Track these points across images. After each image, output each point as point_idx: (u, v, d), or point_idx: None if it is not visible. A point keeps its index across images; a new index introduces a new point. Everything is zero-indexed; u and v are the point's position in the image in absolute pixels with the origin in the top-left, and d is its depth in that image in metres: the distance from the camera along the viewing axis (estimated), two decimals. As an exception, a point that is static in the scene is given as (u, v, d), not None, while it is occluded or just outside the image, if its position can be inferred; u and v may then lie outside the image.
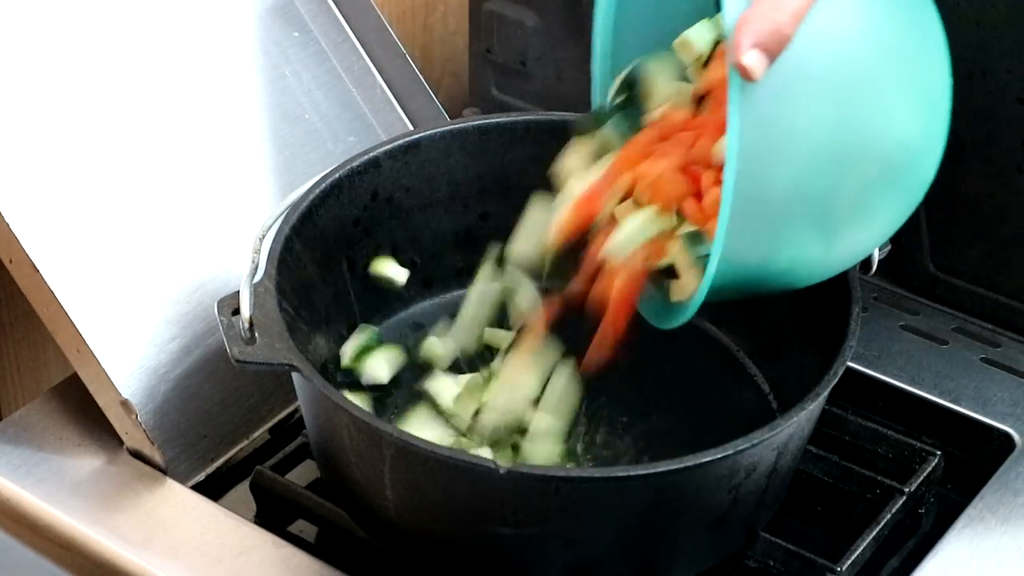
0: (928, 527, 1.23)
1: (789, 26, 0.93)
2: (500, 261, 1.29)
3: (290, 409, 1.29)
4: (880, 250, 1.19)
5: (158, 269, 1.25)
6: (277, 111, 1.36)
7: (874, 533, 1.17)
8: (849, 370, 1.14)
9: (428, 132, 1.29)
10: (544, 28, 1.52)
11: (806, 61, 0.95)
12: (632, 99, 1.17)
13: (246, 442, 1.27)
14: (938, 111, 1.03)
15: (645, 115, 1.16)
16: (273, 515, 1.21)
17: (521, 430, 1.21)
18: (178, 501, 1.20)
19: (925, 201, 1.39)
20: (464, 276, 1.34)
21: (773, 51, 0.93)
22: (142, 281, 1.24)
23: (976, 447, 1.28)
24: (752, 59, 0.93)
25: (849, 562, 1.15)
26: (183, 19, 1.33)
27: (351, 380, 1.26)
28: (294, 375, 1.11)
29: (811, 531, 1.21)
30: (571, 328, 1.19)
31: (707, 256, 1.01)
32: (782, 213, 0.98)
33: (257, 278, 1.14)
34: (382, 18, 1.43)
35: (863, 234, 1.04)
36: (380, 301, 1.31)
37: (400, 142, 1.28)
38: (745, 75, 0.93)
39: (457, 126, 1.31)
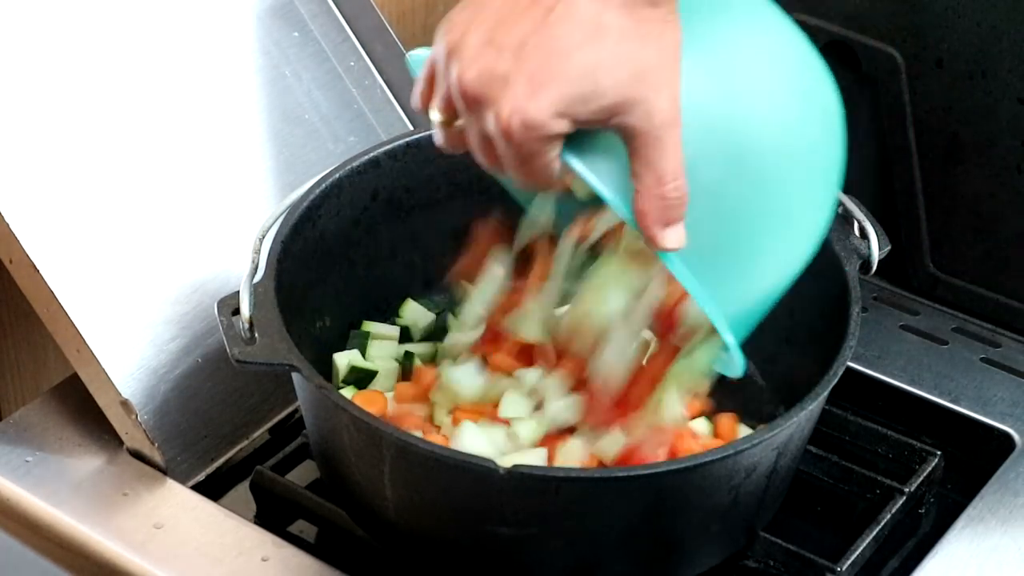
0: (928, 527, 1.23)
1: (679, 187, 0.91)
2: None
3: (290, 409, 1.29)
4: (880, 250, 1.19)
5: (158, 269, 1.25)
6: (277, 111, 1.36)
7: (874, 533, 1.17)
8: (849, 370, 1.15)
9: (428, 132, 1.29)
10: (544, 28, 1.52)
11: (698, 169, 0.94)
12: None
13: (246, 442, 1.27)
14: (812, 93, 1.01)
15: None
16: (273, 515, 1.21)
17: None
18: (178, 501, 1.20)
19: (925, 201, 1.40)
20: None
21: (680, 215, 0.92)
22: (142, 281, 1.24)
23: (976, 447, 1.28)
24: (672, 239, 0.92)
25: (849, 562, 1.15)
26: (183, 19, 1.33)
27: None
28: (294, 375, 1.11)
29: (811, 531, 1.21)
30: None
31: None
32: (751, 265, 0.99)
33: (257, 278, 1.14)
34: (382, 18, 1.43)
35: (818, 203, 1.03)
36: (380, 301, 1.31)
37: (400, 142, 1.28)
38: (675, 249, 0.93)
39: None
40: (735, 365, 1.01)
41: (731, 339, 0.98)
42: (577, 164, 0.93)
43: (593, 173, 0.92)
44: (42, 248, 1.20)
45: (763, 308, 1.03)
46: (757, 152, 0.96)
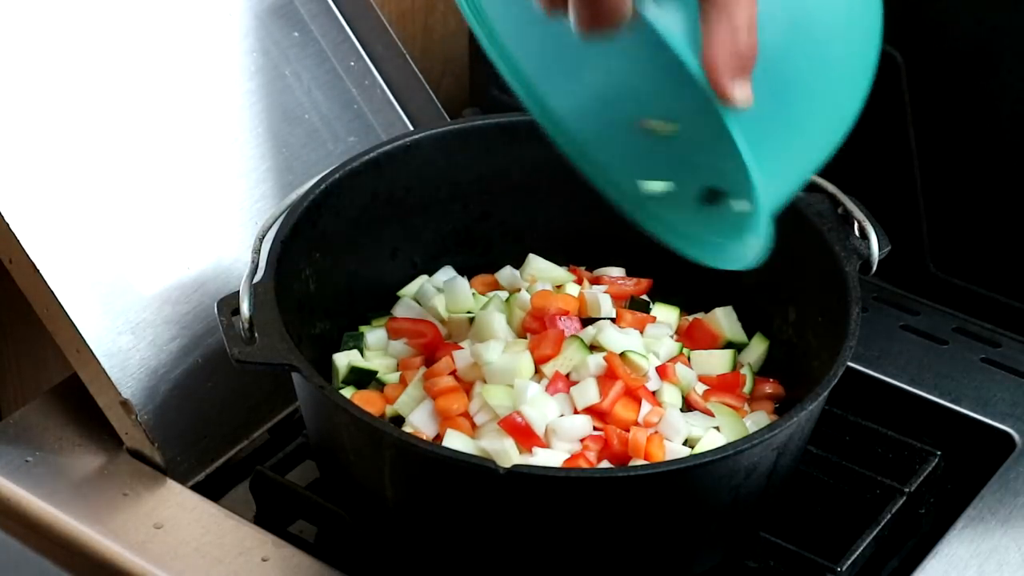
0: (928, 527, 1.22)
1: (752, 42, 0.90)
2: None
3: (290, 409, 1.29)
4: (880, 250, 1.19)
5: (158, 269, 1.25)
6: (277, 111, 1.36)
7: (874, 533, 1.17)
8: (849, 370, 1.15)
9: (428, 132, 1.29)
10: (544, 28, 1.52)
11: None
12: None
13: (246, 442, 1.27)
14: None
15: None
16: (273, 515, 1.21)
17: None
18: (178, 501, 1.20)
19: (925, 201, 1.40)
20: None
21: (749, 70, 0.90)
22: (142, 281, 1.24)
23: (976, 447, 1.28)
24: (740, 93, 0.90)
25: (849, 562, 1.15)
26: (183, 19, 1.33)
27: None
28: (294, 375, 1.11)
29: (811, 531, 1.21)
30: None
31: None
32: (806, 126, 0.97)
33: (257, 278, 1.14)
34: (382, 18, 1.43)
35: (858, 90, 1.01)
36: (380, 301, 1.31)
37: (400, 142, 1.28)
38: (741, 105, 0.91)
39: (457, 126, 1.31)
40: (758, 248, 0.99)
41: (766, 216, 0.95)
42: (649, 10, 0.90)
43: (663, 23, 0.90)
44: (42, 248, 1.20)
45: (790, 193, 1.01)
46: (815, 23, 0.94)
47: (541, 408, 1.14)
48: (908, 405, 1.31)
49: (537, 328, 1.22)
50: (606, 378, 1.16)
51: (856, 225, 1.20)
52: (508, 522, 1.07)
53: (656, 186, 1.14)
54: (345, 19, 1.43)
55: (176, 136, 1.30)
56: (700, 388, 1.22)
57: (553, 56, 1.13)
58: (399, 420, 1.19)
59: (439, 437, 1.15)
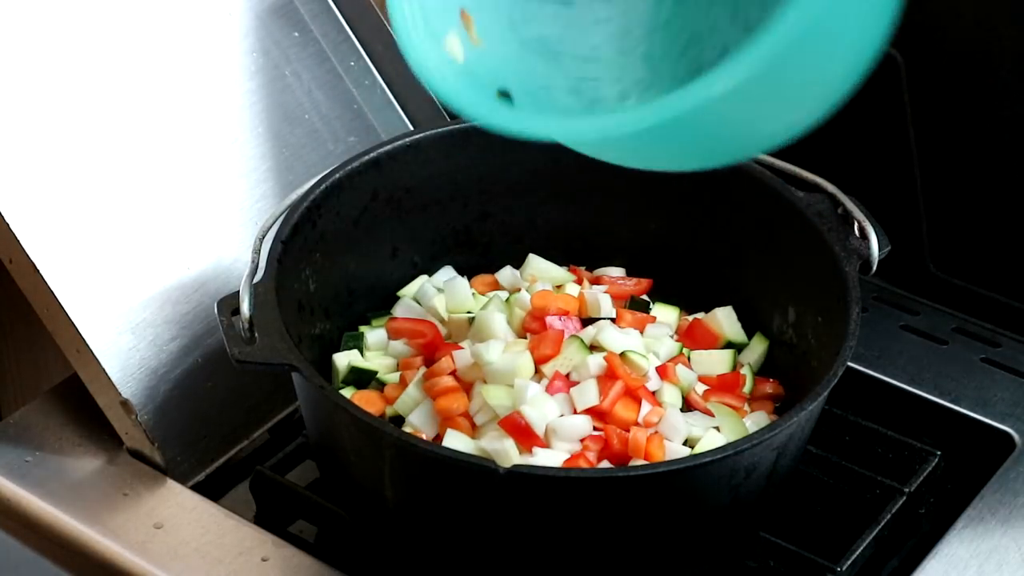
0: (928, 527, 1.23)
1: None
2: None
3: (290, 409, 1.29)
4: (880, 250, 1.19)
5: (158, 269, 1.25)
6: (277, 111, 1.36)
7: (874, 533, 1.17)
8: (849, 370, 1.15)
9: (428, 132, 1.29)
10: (544, 28, 1.52)
11: None
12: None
13: (246, 442, 1.27)
14: None
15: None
16: (273, 515, 1.21)
17: None
18: (178, 501, 1.20)
19: (925, 201, 1.40)
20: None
21: None
22: (142, 281, 1.24)
23: (976, 447, 1.28)
24: None
25: (849, 562, 1.15)
26: (183, 19, 1.33)
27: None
28: (294, 375, 1.11)
29: (811, 531, 1.21)
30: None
31: None
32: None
33: (257, 278, 1.14)
34: (382, 18, 1.43)
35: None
36: (380, 301, 1.31)
37: (400, 142, 1.28)
38: None
39: (457, 126, 1.31)
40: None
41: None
42: None
43: None
44: (42, 248, 1.20)
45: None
46: None
47: (541, 408, 1.14)
48: (908, 405, 1.31)
49: (537, 328, 1.22)
50: (606, 378, 1.16)
51: (856, 225, 1.20)
52: (508, 522, 1.07)
53: (455, 50, 1.05)
54: (345, 19, 1.43)
55: (176, 136, 1.30)
56: (700, 388, 1.22)
57: None
58: (399, 420, 1.19)
59: (439, 437, 1.15)
